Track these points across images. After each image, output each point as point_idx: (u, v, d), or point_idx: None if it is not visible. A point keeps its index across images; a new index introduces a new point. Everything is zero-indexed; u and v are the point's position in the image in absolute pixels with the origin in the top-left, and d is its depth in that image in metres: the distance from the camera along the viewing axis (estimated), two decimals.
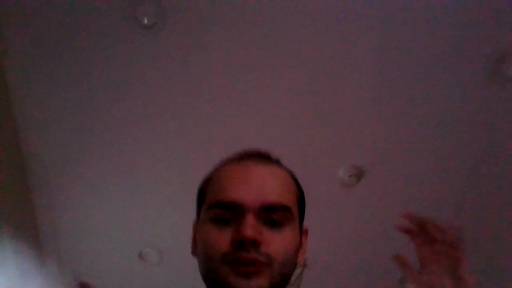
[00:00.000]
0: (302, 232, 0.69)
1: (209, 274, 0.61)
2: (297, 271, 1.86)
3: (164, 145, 2.04)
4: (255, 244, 0.58)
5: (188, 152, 2.05)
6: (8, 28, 1.69)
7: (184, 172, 2.10)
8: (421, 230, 0.78)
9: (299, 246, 0.66)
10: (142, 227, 2.36)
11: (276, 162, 0.69)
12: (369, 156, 2.09)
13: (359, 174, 2.11)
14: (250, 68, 1.82)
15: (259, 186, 0.62)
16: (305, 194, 0.69)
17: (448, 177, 2.15)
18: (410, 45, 1.75)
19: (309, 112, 1.94)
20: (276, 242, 0.60)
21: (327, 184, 2.16)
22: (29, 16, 1.67)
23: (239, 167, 0.65)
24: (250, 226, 0.58)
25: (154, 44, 1.74)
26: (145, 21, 1.67)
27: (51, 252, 2.34)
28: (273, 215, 0.61)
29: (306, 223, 0.69)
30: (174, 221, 2.21)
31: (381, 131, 2.00)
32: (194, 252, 0.69)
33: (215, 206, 0.62)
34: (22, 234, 2.08)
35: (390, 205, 2.24)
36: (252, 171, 0.64)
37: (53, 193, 2.19)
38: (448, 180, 2.16)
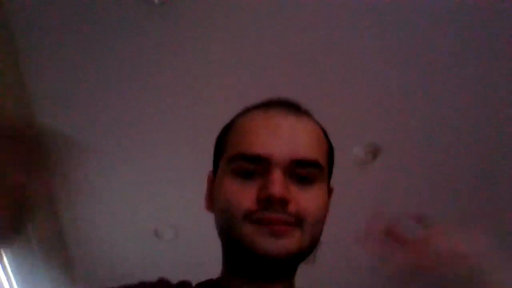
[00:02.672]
0: (329, 191, 0.63)
1: (228, 232, 0.55)
2: None
3: (178, 122, 2.04)
4: (284, 202, 0.52)
5: (203, 128, 2.04)
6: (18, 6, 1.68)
7: (200, 148, 2.09)
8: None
9: (327, 207, 0.60)
10: (157, 204, 2.39)
11: (306, 113, 0.62)
12: (385, 133, 2.06)
13: (375, 152, 2.09)
14: (262, 41, 1.79)
15: (289, 139, 0.56)
16: None
17: (465, 155, 2.11)
18: (426, 26, 1.70)
19: (326, 88, 1.91)
20: (307, 200, 0.54)
21: (341, 161, 2.14)
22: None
23: (266, 116, 0.58)
24: (279, 183, 0.52)
25: (165, 21, 1.72)
26: None
27: (70, 234, 2.39)
28: (303, 171, 0.55)
29: None
30: (189, 198, 2.22)
31: (398, 108, 1.96)
32: (209, 207, 0.63)
33: (238, 158, 0.56)
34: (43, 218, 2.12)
35: (406, 183, 2.22)
36: (281, 122, 0.57)
37: (69, 174, 2.21)
38: (465, 159, 2.13)
